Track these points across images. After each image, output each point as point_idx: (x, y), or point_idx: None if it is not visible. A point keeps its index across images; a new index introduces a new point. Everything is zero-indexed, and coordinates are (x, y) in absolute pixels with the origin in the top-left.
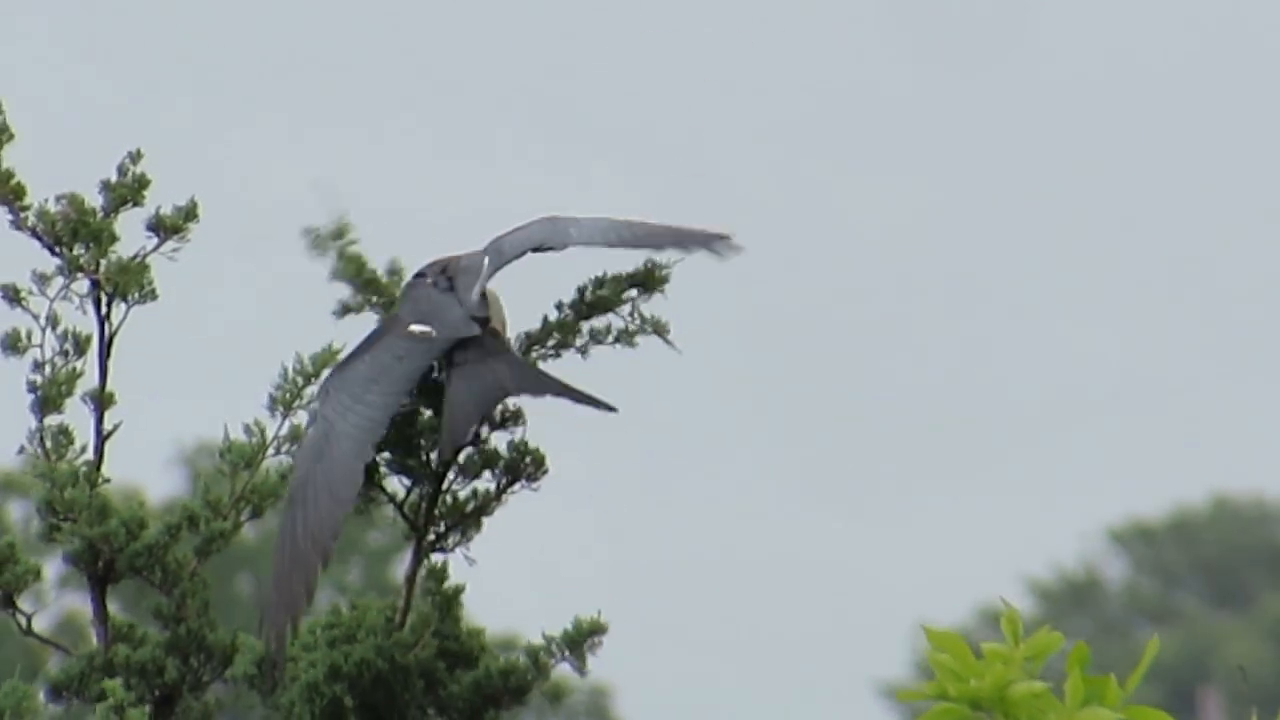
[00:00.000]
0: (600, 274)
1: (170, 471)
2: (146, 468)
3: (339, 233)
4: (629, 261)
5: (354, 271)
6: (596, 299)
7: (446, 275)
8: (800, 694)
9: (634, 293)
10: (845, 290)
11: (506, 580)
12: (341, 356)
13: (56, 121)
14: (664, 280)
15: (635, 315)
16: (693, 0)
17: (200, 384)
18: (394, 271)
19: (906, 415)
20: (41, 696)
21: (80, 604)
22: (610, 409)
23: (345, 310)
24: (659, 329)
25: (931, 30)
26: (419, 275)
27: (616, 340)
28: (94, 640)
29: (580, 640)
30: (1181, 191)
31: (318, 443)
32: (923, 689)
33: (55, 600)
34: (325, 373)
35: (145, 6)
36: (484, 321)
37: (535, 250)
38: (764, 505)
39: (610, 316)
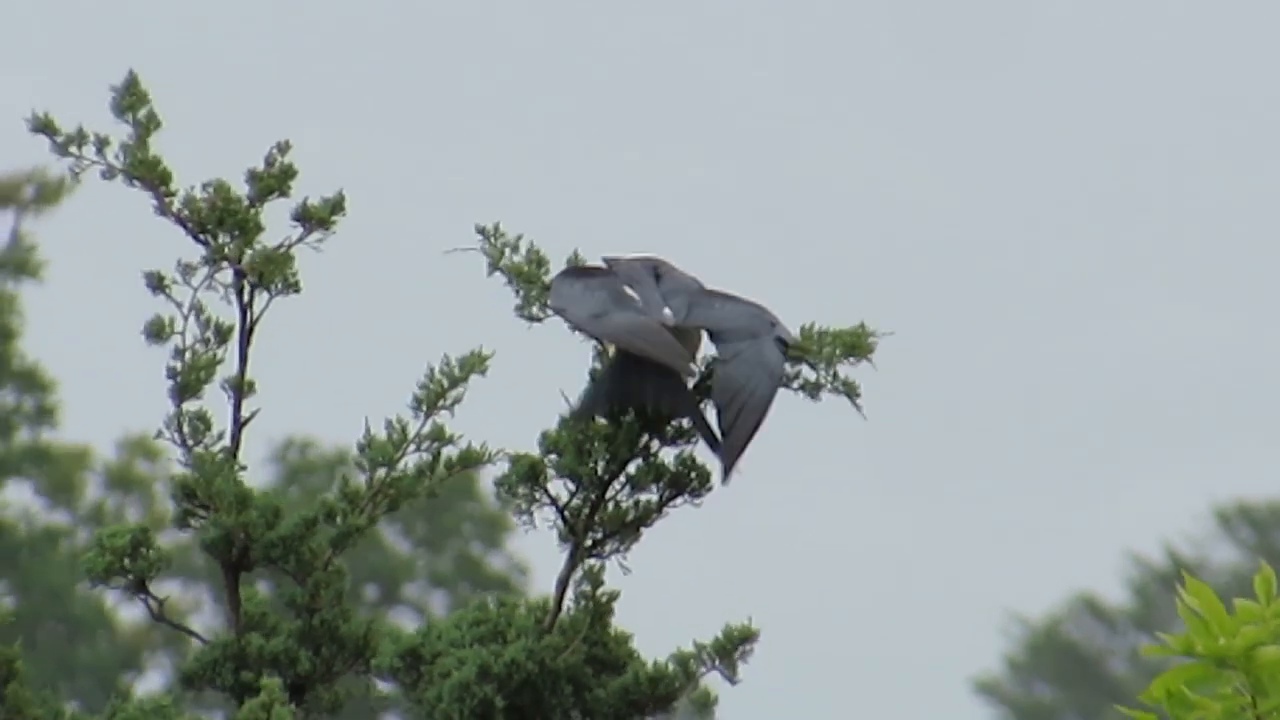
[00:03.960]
0: (809, 325)
1: (262, 466)
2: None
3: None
4: (837, 315)
5: (533, 274)
6: (803, 349)
7: (657, 274)
8: (895, 690)
9: (838, 352)
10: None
11: (656, 589)
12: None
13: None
14: (870, 349)
15: (832, 374)
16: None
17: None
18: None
19: (995, 403)
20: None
21: (177, 591)
22: (729, 473)
23: (522, 309)
24: (851, 391)
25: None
26: (635, 259)
27: (802, 389)
28: (198, 628)
29: (731, 648)
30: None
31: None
32: (1170, 643)
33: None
34: (473, 377)
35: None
36: (681, 337)
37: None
38: (856, 500)
39: (804, 366)
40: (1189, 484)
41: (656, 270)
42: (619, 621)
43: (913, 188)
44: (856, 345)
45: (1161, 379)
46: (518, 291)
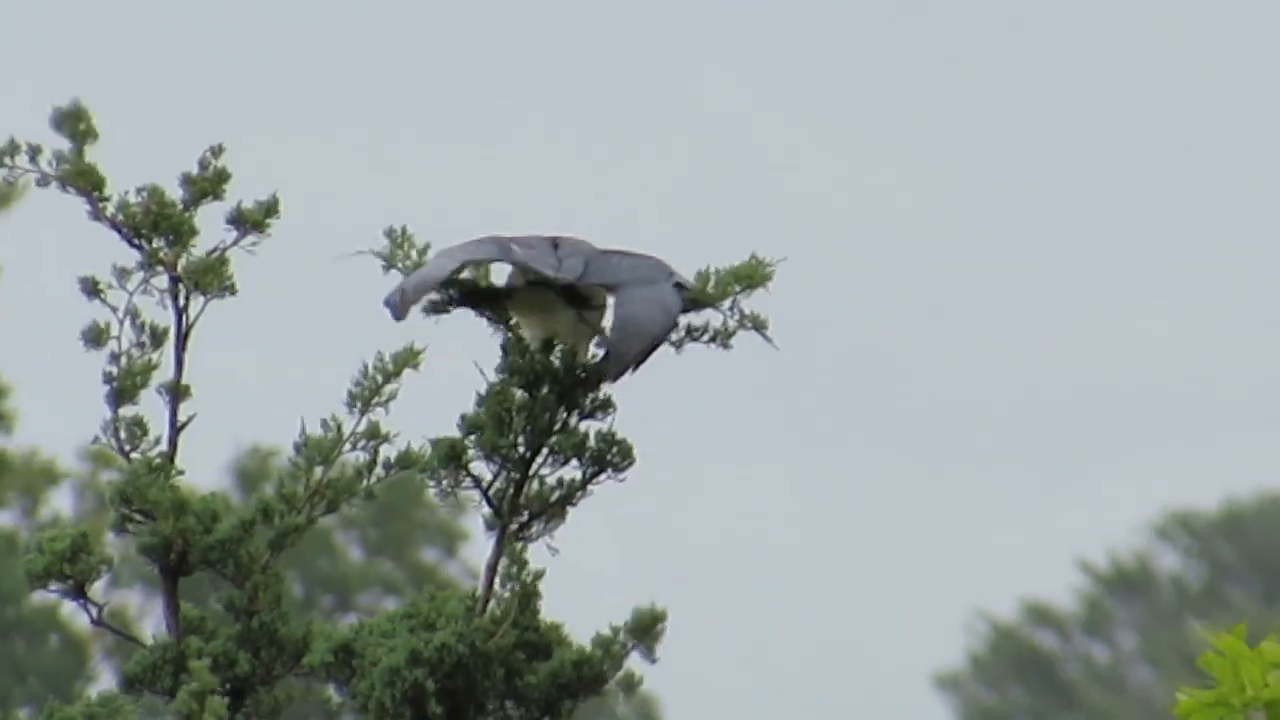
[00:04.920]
0: (705, 268)
1: (218, 471)
2: (199, 463)
3: (395, 238)
4: (734, 254)
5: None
6: (701, 294)
7: (554, 243)
8: (858, 686)
9: (737, 288)
10: (882, 292)
11: (586, 571)
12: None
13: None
14: (767, 277)
15: (736, 311)
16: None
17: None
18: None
19: (951, 411)
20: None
21: (125, 597)
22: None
23: (435, 309)
24: (758, 325)
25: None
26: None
27: (713, 339)
28: (145, 633)
29: (646, 628)
30: (1222, 183)
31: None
32: (1202, 697)
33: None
34: (405, 372)
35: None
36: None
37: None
38: (808, 500)
39: (710, 313)
40: (1137, 490)
41: (554, 241)
42: (556, 608)
43: (879, 187)
44: (752, 276)
45: (1115, 385)
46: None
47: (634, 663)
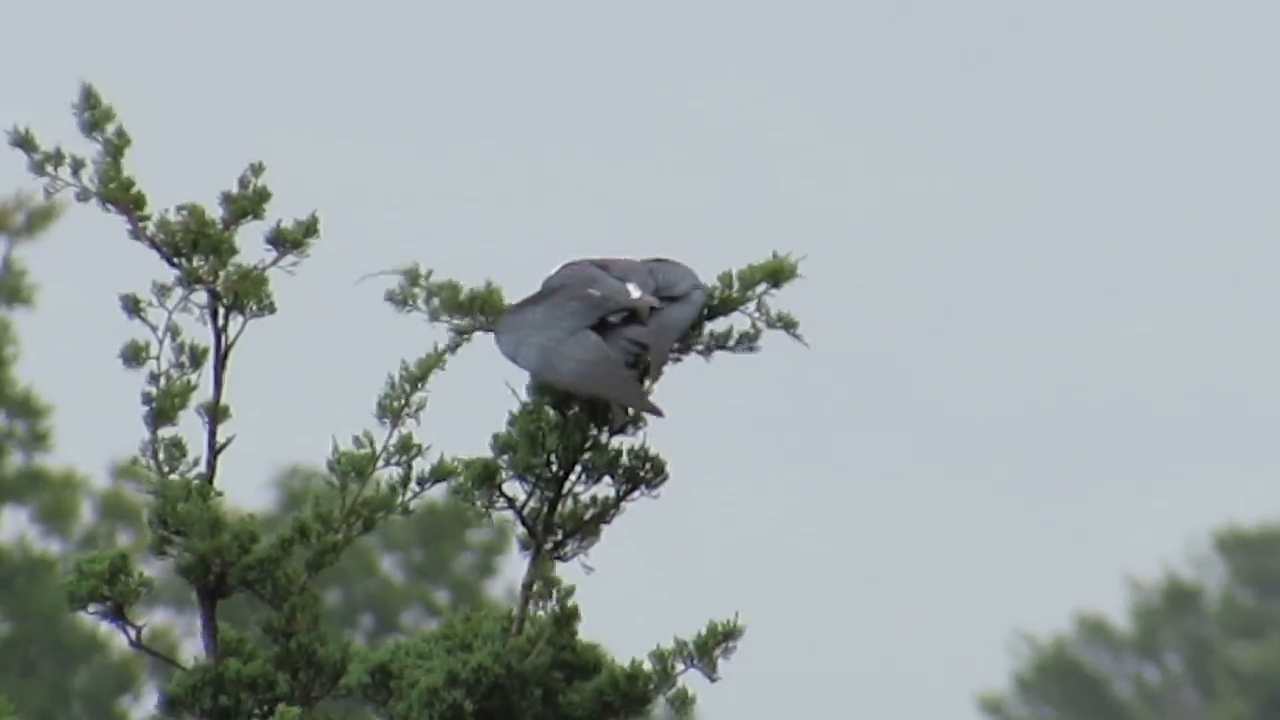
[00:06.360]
0: (727, 270)
1: (263, 490)
2: (241, 483)
3: (413, 276)
4: (756, 253)
5: (451, 299)
6: (725, 299)
7: (598, 265)
8: (900, 708)
9: (763, 287)
10: (903, 304)
11: (623, 588)
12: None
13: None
14: (793, 272)
15: (763, 311)
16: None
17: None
18: (491, 288)
19: (997, 425)
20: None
21: (165, 619)
22: (657, 412)
23: (459, 335)
24: (788, 324)
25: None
26: (567, 264)
27: (739, 343)
28: (186, 654)
29: (713, 645)
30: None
31: (528, 350)
32: None
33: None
34: (431, 378)
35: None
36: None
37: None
38: (862, 515)
39: (734, 316)
40: (1191, 506)
41: (596, 263)
42: (592, 625)
43: (905, 202)
44: (779, 272)
45: (1167, 399)
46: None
47: (688, 679)
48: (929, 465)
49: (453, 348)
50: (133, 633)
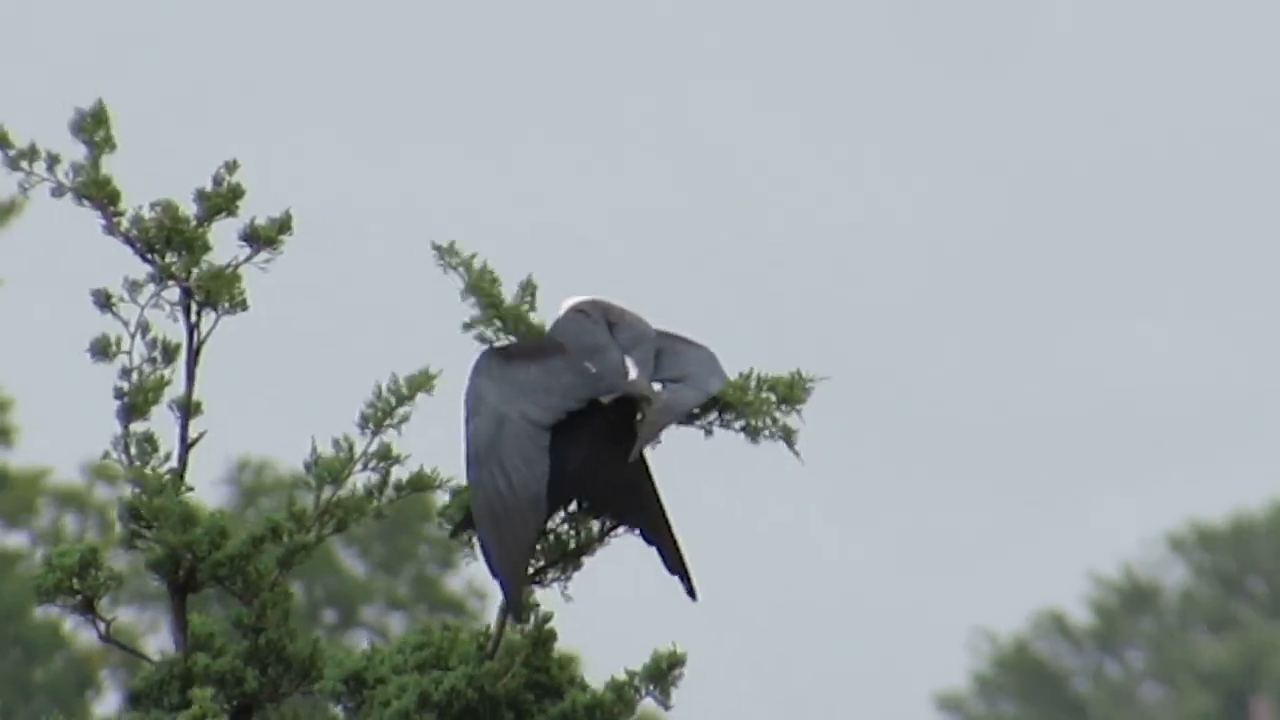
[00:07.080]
0: (747, 371)
1: (216, 487)
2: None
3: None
4: (775, 363)
5: (485, 286)
6: (738, 401)
7: (608, 321)
8: (857, 708)
9: (773, 398)
10: (878, 301)
11: (598, 617)
12: (501, 350)
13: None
14: (806, 395)
15: (771, 421)
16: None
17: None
18: (528, 290)
19: (957, 426)
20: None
21: (129, 615)
22: (691, 595)
23: (469, 326)
24: (787, 437)
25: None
26: (578, 310)
27: (743, 430)
28: (149, 651)
29: (662, 673)
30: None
31: (491, 417)
32: None
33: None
34: (421, 394)
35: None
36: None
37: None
38: (823, 517)
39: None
40: (1150, 504)
41: (608, 318)
42: (571, 642)
43: (877, 207)
44: (791, 393)
45: (1126, 398)
46: (479, 312)
47: (647, 707)
48: (888, 464)
49: (478, 337)
50: (102, 626)
